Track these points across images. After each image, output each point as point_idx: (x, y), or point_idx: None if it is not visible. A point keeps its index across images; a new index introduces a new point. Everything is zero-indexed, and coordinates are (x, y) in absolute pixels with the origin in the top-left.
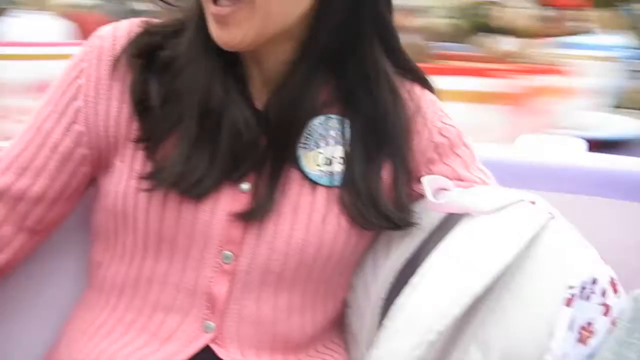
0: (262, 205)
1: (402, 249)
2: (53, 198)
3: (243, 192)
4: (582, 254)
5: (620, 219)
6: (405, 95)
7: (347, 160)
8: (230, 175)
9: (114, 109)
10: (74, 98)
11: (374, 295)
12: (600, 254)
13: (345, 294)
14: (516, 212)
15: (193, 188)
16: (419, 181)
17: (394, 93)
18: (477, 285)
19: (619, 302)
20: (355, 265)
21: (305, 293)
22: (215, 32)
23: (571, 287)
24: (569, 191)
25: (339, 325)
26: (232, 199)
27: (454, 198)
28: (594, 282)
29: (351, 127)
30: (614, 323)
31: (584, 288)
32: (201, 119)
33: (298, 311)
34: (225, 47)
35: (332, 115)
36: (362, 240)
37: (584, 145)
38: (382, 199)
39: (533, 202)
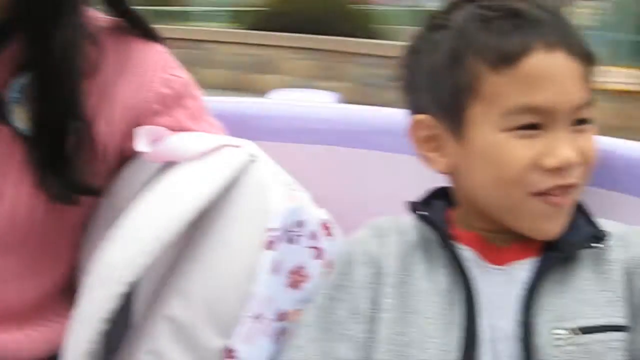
0: None
1: (122, 204)
2: None
3: None
4: (285, 197)
5: (362, 169)
6: (119, 49)
7: (40, 118)
8: None
9: None
10: None
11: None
12: (344, 202)
13: (72, 257)
14: (217, 157)
15: None
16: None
17: (92, 49)
18: (167, 233)
19: (334, 246)
20: (77, 226)
21: (21, 257)
22: None
23: (272, 230)
24: (318, 142)
25: (73, 291)
26: None
27: (160, 147)
28: (301, 224)
29: (45, 83)
30: (328, 266)
31: (288, 231)
32: None
33: (15, 277)
34: None
35: (31, 72)
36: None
37: (335, 97)
38: (75, 163)
39: (240, 147)
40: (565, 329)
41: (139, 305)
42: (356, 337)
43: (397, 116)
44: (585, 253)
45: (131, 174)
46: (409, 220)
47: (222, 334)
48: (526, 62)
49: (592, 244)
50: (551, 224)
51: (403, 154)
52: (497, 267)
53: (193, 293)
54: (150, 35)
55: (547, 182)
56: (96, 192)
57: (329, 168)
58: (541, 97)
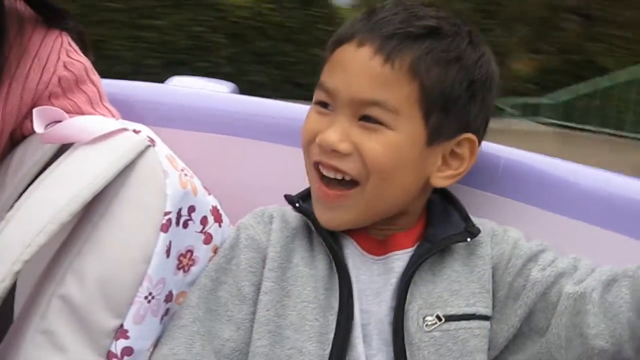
0: None
1: (15, 184)
2: None
3: None
4: (179, 182)
5: (253, 158)
6: (21, 33)
7: None
8: None
9: None
10: None
11: None
12: (225, 188)
13: None
14: (115, 140)
15: None
16: None
17: None
18: (64, 213)
19: (222, 231)
20: None
21: None
22: None
23: (167, 213)
24: (214, 132)
25: None
26: None
27: (58, 128)
28: (192, 209)
29: None
30: (215, 251)
31: (179, 215)
32: None
33: None
34: None
35: None
36: None
37: (230, 87)
38: None
39: (137, 131)
40: (434, 316)
41: (27, 286)
42: (238, 319)
43: (289, 109)
44: (458, 247)
45: (23, 155)
46: (292, 209)
47: (115, 314)
48: (338, 49)
49: (466, 239)
50: (322, 214)
51: (294, 146)
52: (375, 257)
53: (88, 273)
54: (53, 20)
55: (316, 155)
56: None
57: (218, 156)
58: (330, 80)
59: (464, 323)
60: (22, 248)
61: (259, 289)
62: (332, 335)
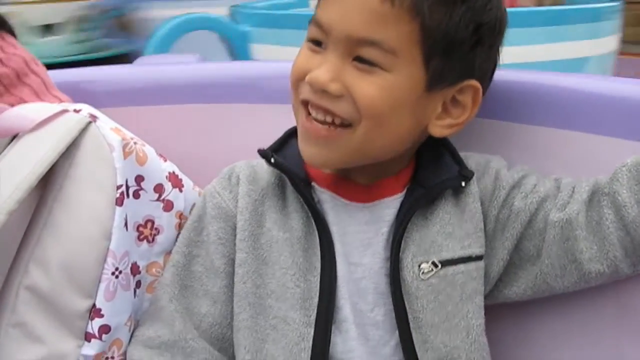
0: None
1: None
2: None
3: None
4: (123, 154)
5: (221, 123)
6: None
7: None
8: None
9: None
10: None
11: None
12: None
13: None
14: (56, 123)
15: None
16: None
17: None
18: (10, 201)
19: (184, 196)
20: None
21: None
22: None
23: (118, 187)
24: (184, 102)
25: None
26: None
27: None
28: (141, 179)
29: None
30: (179, 217)
31: (127, 186)
32: None
33: None
34: None
35: None
36: None
37: (195, 58)
38: None
39: (77, 111)
40: (429, 263)
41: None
42: (214, 293)
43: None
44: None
45: None
46: (264, 164)
47: (85, 294)
48: None
49: (461, 183)
50: (307, 149)
51: (260, 104)
52: (360, 204)
53: (51, 259)
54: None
55: (305, 93)
56: None
57: (188, 126)
58: (324, 14)
59: (461, 267)
60: None
61: (232, 261)
62: (316, 300)
